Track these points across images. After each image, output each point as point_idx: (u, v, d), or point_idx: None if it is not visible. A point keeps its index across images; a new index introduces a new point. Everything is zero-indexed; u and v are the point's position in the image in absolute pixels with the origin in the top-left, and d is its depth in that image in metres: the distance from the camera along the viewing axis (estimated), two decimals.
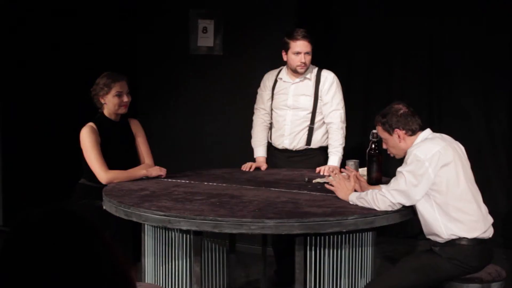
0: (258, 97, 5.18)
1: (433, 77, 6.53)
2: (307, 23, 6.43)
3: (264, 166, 5.00)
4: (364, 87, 6.77)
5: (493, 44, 6.25)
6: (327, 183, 4.40)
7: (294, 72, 4.95)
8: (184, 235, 3.82)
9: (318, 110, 4.97)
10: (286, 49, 4.91)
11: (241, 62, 6.33)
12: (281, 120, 5.04)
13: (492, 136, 6.38)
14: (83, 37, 6.43)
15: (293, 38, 4.86)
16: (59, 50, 6.29)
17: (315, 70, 5.02)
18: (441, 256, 3.68)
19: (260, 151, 5.12)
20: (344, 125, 4.97)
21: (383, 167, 4.32)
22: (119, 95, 4.49)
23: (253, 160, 5.11)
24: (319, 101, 4.96)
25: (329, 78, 4.99)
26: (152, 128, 6.11)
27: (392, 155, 3.98)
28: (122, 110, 4.56)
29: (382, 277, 3.85)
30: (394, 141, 3.86)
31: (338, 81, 5.03)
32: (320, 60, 6.65)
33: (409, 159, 3.69)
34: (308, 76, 4.98)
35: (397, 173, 3.73)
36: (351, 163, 4.43)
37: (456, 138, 3.96)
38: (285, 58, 4.96)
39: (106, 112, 4.54)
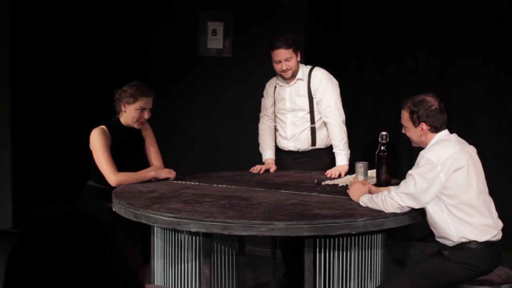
0: (262, 104, 5.23)
1: (444, 80, 6.51)
2: (316, 26, 6.44)
3: (273, 168, 5.01)
4: (374, 90, 6.76)
5: (505, 45, 6.23)
6: (337, 184, 4.42)
7: (283, 78, 5.00)
8: (194, 237, 3.82)
9: (315, 109, 4.99)
10: (272, 59, 4.97)
11: (250, 64, 6.33)
12: (283, 125, 5.08)
13: (502, 139, 6.36)
14: (94, 39, 6.45)
15: (272, 47, 4.92)
16: (70, 52, 6.31)
17: (307, 69, 5.03)
18: (450, 260, 3.66)
19: (268, 154, 5.14)
20: (342, 119, 4.95)
21: (392, 169, 4.31)
22: (141, 110, 4.49)
23: (263, 162, 5.11)
24: (314, 99, 4.98)
25: (318, 75, 4.99)
26: (162, 130, 6.11)
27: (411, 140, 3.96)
28: (137, 126, 4.55)
29: (391, 281, 3.83)
30: (416, 132, 3.83)
31: (330, 77, 5.02)
32: (330, 62, 6.66)
33: (421, 161, 3.67)
34: (300, 76, 5.00)
35: (407, 176, 3.71)
36: (360, 165, 4.42)
37: (466, 140, 3.94)
38: None
39: (122, 119, 4.53)
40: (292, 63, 4.91)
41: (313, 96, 4.97)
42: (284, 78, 5.00)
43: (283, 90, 5.05)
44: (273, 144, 5.16)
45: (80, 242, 1.23)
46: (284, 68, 4.89)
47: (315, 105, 4.98)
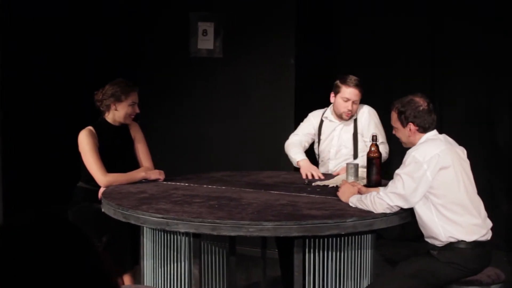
0: (299, 128, 5.09)
1: (435, 80, 6.51)
2: (307, 26, 6.44)
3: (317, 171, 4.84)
4: (365, 90, 6.74)
5: (497, 45, 6.23)
6: (327, 186, 4.41)
7: (339, 117, 4.91)
8: (183, 238, 3.81)
9: (359, 147, 4.89)
10: (336, 92, 4.85)
11: (241, 65, 6.33)
12: (325, 158, 5.00)
13: (494, 138, 6.37)
14: (85, 40, 6.43)
15: (346, 83, 4.81)
16: (61, 53, 6.29)
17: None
18: (439, 260, 3.66)
19: (301, 155, 4.93)
20: (386, 156, 4.81)
21: (383, 170, 4.31)
22: (133, 104, 4.49)
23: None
24: (359, 136, 4.89)
25: (365, 111, 4.92)
26: (153, 131, 6.10)
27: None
28: (129, 121, 4.55)
29: (380, 282, 3.82)
30: (405, 133, 3.84)
31: (373, 112, 4.95)
32: (321, 63, 6.66)
33: (407, 160, 3.67)
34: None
35: (394, 176, 3.71)
36: (351, 166, 4.42)
37: (458, 141, 3.94)
38: (332, 100, 4.91)
39: (110, 118, 4.51)
40: (357, 107, 4.87)
41: (361, 134, 4.87)
42: (339, 117, 4.90)
43: (332, 126, 4.95)
44: (303, 149, 5.00)
45: (51, 245, 1.22)
46: (350, 108, 4.80)
47: (359, 143, 4.89)
